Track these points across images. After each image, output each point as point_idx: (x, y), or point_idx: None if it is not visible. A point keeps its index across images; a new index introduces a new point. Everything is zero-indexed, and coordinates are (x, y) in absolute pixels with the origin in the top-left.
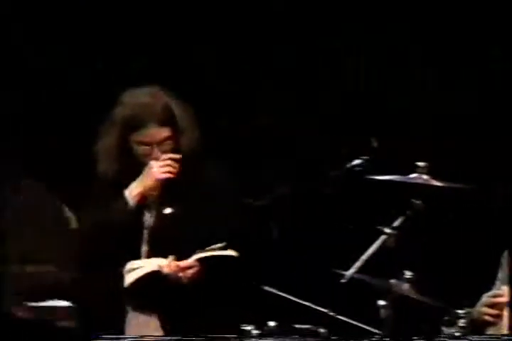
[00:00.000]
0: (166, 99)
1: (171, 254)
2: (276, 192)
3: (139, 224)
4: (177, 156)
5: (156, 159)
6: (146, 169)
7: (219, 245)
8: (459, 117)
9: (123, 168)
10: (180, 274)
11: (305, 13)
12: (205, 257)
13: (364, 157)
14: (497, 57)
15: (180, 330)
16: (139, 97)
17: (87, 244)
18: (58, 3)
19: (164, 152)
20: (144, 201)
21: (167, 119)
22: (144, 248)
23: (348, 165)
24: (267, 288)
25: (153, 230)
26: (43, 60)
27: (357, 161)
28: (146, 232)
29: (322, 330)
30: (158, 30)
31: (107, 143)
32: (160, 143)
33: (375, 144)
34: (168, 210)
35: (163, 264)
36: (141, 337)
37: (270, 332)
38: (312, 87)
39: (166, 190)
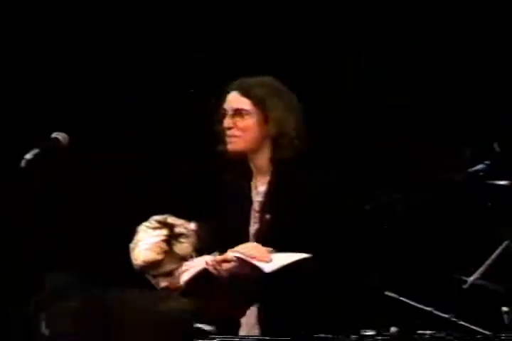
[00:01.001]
0: (269, 79)
1: None
2: (393, 195)
3: (246, 230)
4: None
5: (226, 128)
6: None
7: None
8: None
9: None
10: (218, 267)
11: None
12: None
13: (486, 161)
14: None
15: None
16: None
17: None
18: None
19: (236, 126)
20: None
21: (252, 94)
22: None
23: (470, 170)
24: (388, 293)
25: (257, 236)
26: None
27: (479, 166)
28: (252, 239)
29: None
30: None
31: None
32: (235, 112)
33: (497, 148)
34: (268, 216)
35: (209, 260)
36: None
37: (392, 338)
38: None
39: (268, 195)
